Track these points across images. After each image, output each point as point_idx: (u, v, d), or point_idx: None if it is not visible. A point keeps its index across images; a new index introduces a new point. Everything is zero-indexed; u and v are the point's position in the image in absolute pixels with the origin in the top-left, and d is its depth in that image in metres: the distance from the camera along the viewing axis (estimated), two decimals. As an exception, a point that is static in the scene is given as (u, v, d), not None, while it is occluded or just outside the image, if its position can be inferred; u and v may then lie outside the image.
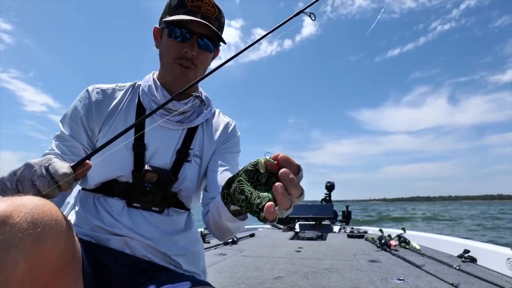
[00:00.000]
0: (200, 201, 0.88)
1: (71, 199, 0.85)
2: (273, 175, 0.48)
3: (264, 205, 0.44)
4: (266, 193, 0.47)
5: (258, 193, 0.47)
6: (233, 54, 0.62)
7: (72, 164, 0.51)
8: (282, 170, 0.44)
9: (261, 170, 0.48)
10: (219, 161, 0.88)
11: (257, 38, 0.65)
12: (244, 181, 0.51)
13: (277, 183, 0.43)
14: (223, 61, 0.62)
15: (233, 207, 0.58)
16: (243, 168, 0.53)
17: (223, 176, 0.84)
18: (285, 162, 0.45)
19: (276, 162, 0.46)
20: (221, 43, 0.85)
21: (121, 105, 0.84)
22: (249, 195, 0.48)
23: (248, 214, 0.61)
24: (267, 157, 0.48)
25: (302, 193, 0.44)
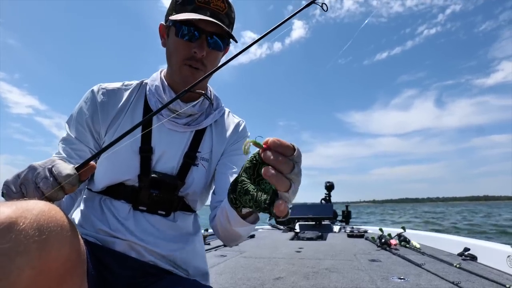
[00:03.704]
0: (208, 203, 0.86)
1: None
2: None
3: (268, 198, 0.43)
4: (269, 185, 0.45)
5: (262, 188, 0.46)
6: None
7: (75, 166, 0.50)
8: (263, 153, 0.42)
9: (244, 153, 0.46)
10: (228, 163, 0.85)
11: (269, 30, 0.61)
12: (246, 180, 0.49)
13: (264, 168, 0.41)
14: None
15: (244, 210, 0.57)
16: (242, 167, 0.51)
17: (231, 179, 0.82)
18: (276, 146, 0.42)
19: (265, 146, 0.42)
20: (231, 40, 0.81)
21: (128, 105, 0.81)
22: (254, 193, 0.46)
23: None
24: (256, 140, 0.44)
25: (293, 167, 0.42)
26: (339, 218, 6.18)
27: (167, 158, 0.79)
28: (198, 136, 0.84)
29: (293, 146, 0.43)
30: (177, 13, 0.75)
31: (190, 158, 0.81)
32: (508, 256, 2.09)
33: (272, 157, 0.41)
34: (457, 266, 2.18)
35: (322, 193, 6.86)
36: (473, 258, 2.47)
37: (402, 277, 1.97)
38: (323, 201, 6.80)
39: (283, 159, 0.41)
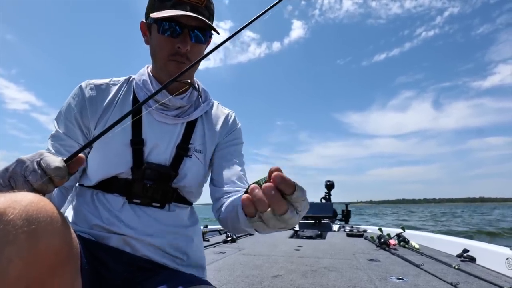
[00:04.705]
0: (205, 201, 0.87)
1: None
2: None
3: None
4: None
5: None
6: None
7: (64, 158, 0.50)
8: (264, 186, 0.42)
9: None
10: (226, 155, 0.88)
11: (257, 15, 0.59)
12: None
13: (243, 196, 0.44)
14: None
15: None
16: (261, 179, 0.51)
17: (230, 169, 0.85)
18: (279, 181, 0.42)
19: (271, 179, 0.43)
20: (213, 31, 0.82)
21: (116, 100, 0.82)
22: None
23: None
24: (263, 180, 0.46)
25: (286, 211, 0.42)
26: (339, 217, 6.18)
27: (159, 150, 0.80)
28: (190, 128, 0.85)
29: (295, 185, 0.42)
30: (157, 9, 0.76)
31: (182, 150, 0.82)
32: (507, 258, 2.09)
33: (269, 194, 0.41)
34: (456, 267, 2.18)
35: (322, 192, 6.87)
36: (472, 259, 2.47)
37: (400, 277, 1.97)
38: (323, 200, 6.81)
39: (278, 199, 0.41)
